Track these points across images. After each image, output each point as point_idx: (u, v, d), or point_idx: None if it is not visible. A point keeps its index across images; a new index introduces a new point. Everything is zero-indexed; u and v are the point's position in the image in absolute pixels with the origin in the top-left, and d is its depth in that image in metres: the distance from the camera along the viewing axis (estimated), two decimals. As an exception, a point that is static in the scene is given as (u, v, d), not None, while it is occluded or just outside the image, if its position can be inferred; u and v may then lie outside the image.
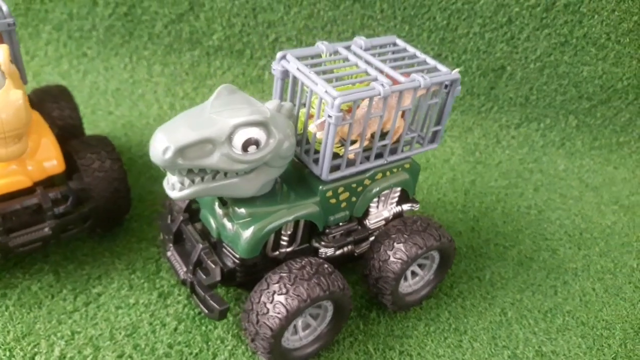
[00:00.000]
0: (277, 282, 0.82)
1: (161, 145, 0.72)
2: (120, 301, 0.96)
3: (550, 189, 1.38)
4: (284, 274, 0.83)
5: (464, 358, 0.95)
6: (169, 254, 0.93)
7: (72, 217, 0.96)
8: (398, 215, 1.02)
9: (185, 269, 0.90)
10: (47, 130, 0.97)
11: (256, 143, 0.76)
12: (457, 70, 0.90)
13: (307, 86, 0.83)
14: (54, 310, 0.93)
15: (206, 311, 0.87)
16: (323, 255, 0.95)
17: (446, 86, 0.90)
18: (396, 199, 1.00)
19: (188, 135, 0.73)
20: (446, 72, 0.89)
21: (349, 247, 0.97)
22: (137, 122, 1.39)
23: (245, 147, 0.76)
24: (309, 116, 0.87)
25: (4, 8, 0.91)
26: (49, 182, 0.96)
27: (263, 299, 0.82)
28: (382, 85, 0.81)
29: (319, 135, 0.84)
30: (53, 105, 1.14)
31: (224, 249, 0.89)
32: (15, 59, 0.95)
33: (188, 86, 1.50)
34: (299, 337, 0.90)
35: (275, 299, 0.81)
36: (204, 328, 0.94)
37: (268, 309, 0.81)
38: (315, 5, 1.41)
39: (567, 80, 1.45)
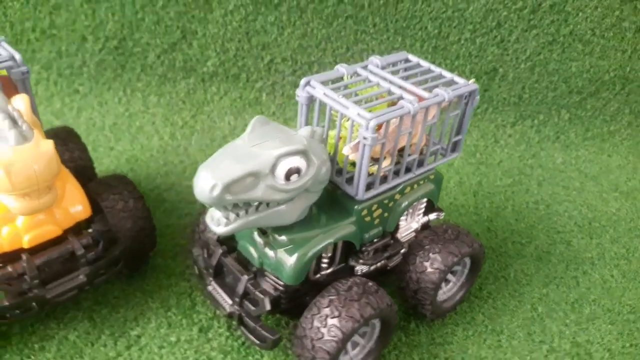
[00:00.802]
0: (328, 306, 0.83)
1: (208, 183, 0.73)
2: (162, 340, 0.95)
3: (553, 182, 1.42)
4: (333, 297, 0.84)
5: (505, 357, 0.98)
6: (209, 288, 0.93)
7: (105, 261, 0.94)
8: (425, 226, 1.04)
9: (230, 302, 0.89)
10: (69, 175, 0.96)
11: (298, 171, 0.77)
12: (472, 80, 0.93)
13: (337, 110, 0.84)
14: (96, 358, 0.92)
15: (257, 342, 0.88)
16: (359, 273, 0.96)
17: (465, 97, 0.93)
18: (423, 210, 1.02)
19: (233, 171, 0.73)
20: (464, 84, 0.92)
21: (383, 262, 0.99)
22: (141, 156, 1.38)
23: (288, 176, 0.77)
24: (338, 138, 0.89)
25: (17, 56, 0.90)
26: (76, 229, 0.95)
27: (316, 323, 0.83)
28: (411, 103, 0.83)
29: (352, 156, 0.85)
30: (62, 148, 1.13)
31: (265, 278, 0.90)
32: (32, 107, 0.93)
33: (186, 114, 1.50)
34: (350, 356, 0.91)
35: (328, 323, 0.82)
36: (250, 358, 0.94)
37: (323, 334, 0.82)
38: (309, 24, 1.43)
39: (557, 77, 1.50)
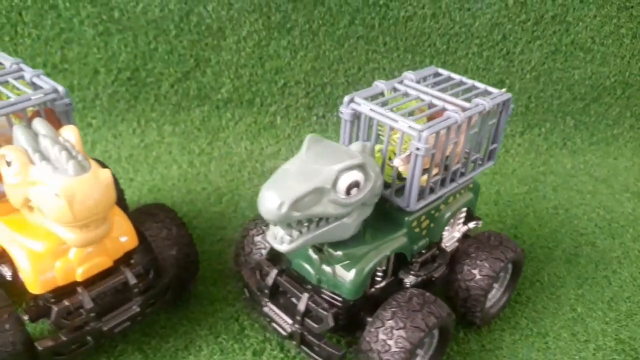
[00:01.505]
0: (392, 318, 0.84)
1: (274, 202, 0.73)
2: (217, 367, 0.94)
3: (566, 187, 1.46)
4: (395, 309, 0.85)
5: (555, 358, 0.99)
6: (266, 309, 0.93)
7: (156, 290, 0.94)
8: (465, 235, 1.06)
9: (290, 321, 0.89)
10: (114, 205, 0.95)
11: (357, 185, 0.79)
12: (505, 90, 0.96)
13: (385, 124, 0.86)
14: (153, 389, 0.90)
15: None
16: (407, 285, 0.97)
17: (499, 106, 0.96)
18: (463, 219, 1.04)
19: (298, 188, 0.74)
20: (499, 93, 0.95)
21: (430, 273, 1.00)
22: (162, 185, 1.37)
23: (348, 190, 0.78)
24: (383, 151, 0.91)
25: (60, 89, 0.89)
26: (124, 259, 0.94)
27: (381, 336, 0.83)
28: (457, 113, 0.86)
29: (402, 168, 0.87)
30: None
31: (322, 295, 0.90)
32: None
33: (202, 142, 1.50)
34: (411, 368, 0.91)
35: (395, 334, 0.82)
36: (308, 378, 0.93)
37: (390, 346, 0.82)
38: (321, 46, 1.46)
39: (561, 85, 1.56)
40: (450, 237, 1.03)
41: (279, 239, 0.79)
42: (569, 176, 1.50)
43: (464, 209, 1.02)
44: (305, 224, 0.78)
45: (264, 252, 1.00)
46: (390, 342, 0.82)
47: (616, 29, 1.49)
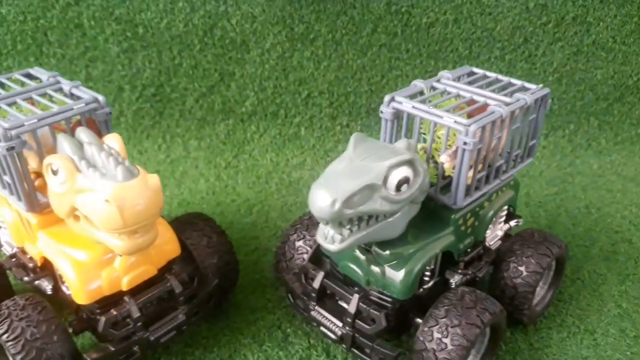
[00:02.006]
0: (445, 316, 0.83)
1: (326, 200, 0.72)
2: (264, 375, 0.93)
3: (595, 187, 1.46)
4: (448, 307, 0.84)
5: (606, 354, 0.98)
6: (313, 314, 0.91)
7: (201, 298, 0.92)
8: (506, 234, 1.05)
9: (340, 324, 0.88)
10: (156, 215, 0.94)
11: (407, 181, 0.78)
12: (541, 86, 0.96)
13: (429, 121, 0.86)
14: (201, 399, 0.89)
15: (374, 362, 0.86)
16: (453, 285, 0.96)
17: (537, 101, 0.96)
18: (504, 217, 1.03)
19: (350, 185, 0.74)
20: (537, 89, 0.95)
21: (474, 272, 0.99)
22: (191, 199, 1.37)
23: (398, 186, 0.77)
24: (425, 149, 0.91)
25: (100, 98, 0.90)
26: (167, 267, 0.93)
27: (436, 335, 0.82)
28: (501, 107, 0.85)
29: (448, 165, 0.87)
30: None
31: (370, 297, 0.88)
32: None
33: (228, 155, 1.50)
34: (465, 368, 0.89)
35: (450, 332, 0.81)
36: (358, 383, 0.91)
37: (446, 344, 0.81)
38: (344, 56, 1.47)
39: (584, 86, 1.56)
40: (493, 235, 1.02)
41: (329, 239, 0.78)
42: (597, 176, 1.50)
43: (506, 207, 1.02)
44: (356, 223, 0.77)
45: (305, 257, 0.99)
46: (446, 340, 0.81)
47: (637, 27, 1.50)
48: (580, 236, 1.27)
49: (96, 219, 0.75)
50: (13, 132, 0.79)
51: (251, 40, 1.44)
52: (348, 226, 0.77)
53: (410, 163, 0.78)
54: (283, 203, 1.36)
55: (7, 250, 1.00)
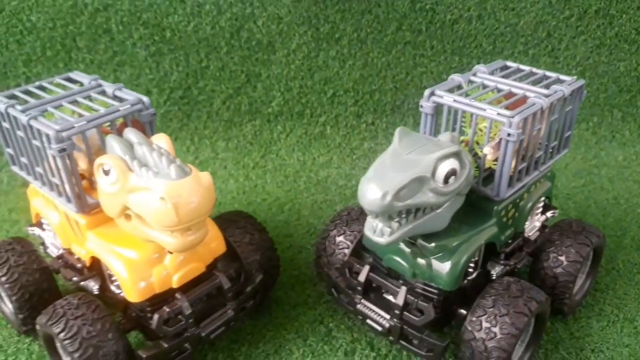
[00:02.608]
0: (493, 305, 0.84)
1: (377, 193, 0.74)
2: (311, 369, 0.94)
3: (622, 178, 1.46)
4: (495, 297, 0.85)
5: (648, 343, 0.98)
6: (359, 307, 0.92)
7: (248, 294, 0.94)
8: (543, 225, 1.06)
9: (387, 316, 0.89)
10: (200, 213, 0.96)
11: (454, 173, 0.79)
12: (576, 78, 0.97)
13: (471, 113, 0.87)
14: (251, 394, 0.90)
15: (423, 353, 0.87)
16: (494, 276, 0.97)
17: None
18: (541, 209, 1.04)
19: (400, 178, 0.75)
20: (572, 80, 0.96)
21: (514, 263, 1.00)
22: (223, 199, 1.38)
23: (446, 178, 0.78)
24: (466, 142, 0.92)
25: (145, 99, 0.91)
26: (213, 265, 0.94)
27: (485, 324, 0.83)
28: (540, 98, 0.87)
29: (491, 156, 0.88)
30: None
31: (415, 289, 0.90)
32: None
33: (255, 155, 1.51)
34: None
35: (499, 321, 0.82)
36: (405, 374, 0.93)
37: (495, 333, 0.82)
38: (369, 54, 1.48)
39: (607, 78, 1.57)
40: (532, 226, 1.03)
41: (378, 232, 0.80)
42: (623, 167, 1.50)
43: (543, 198, 1.03)
44: (404, 216, 0.79)
45: (346, 252, 1.00)
46: (495, 329, 0.82)
47: (659, 19, 1.52)
48: (611, 227, 1.28)
49: (150, 217, 0.77)
50: (64, 134, 0.81)
51: (277, 41, 1.46)
52: (397, 219, 0.78)
53: (457, 155, 0.79)
54: (313, 201, 1.38)
55: (53, 252, 1.02)
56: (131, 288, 0.84)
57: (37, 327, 0.88)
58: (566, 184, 1.44)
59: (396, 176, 0.75)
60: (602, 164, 1.52)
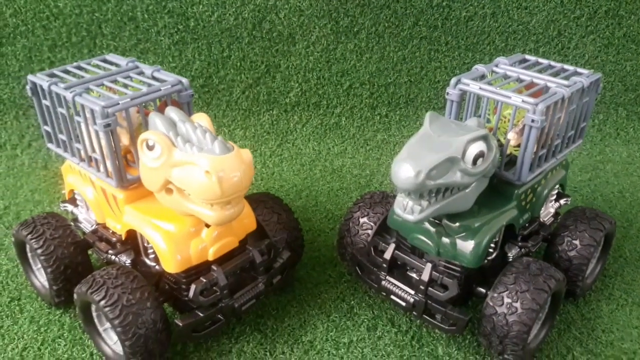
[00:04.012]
0: (514, 282, 0.88)
1: (410, 172, 0.78)
2: (335, 343, 0.98)
3: (627, 173, 1.52)
4: (516, 274, 0.89)
5: (655, 325, 1.03)
6: (384, 283, 0.97)
7: (277, 269, 0.98)
8: (556, 212, 1.11)
9: (412, 292, 0.93)
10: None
11: (482, 155, 0.84)
12: (593, 71, 1.02)
13: (496, 100, 0.92)
14: (279, 364, 0.94)
15: (446, 327, 0.91)
16: (511, 258, 1.01)
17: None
18: (555, 196, 1.09)
19: (433, 158, 0.79)
20: (589, 73, 1.01)
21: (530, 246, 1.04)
22: (241, 185, 1.42)
23: (475, 160, 0.83)
24: (490, 130, 0.97)
25: (184, 81, 0.95)
26: (245, 241, 0.98)
27: (507, 300, 0.87)
28: (562, 88, 0.91)
29: (514, 142, 0.92)
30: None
31: (438, 267, 0.94)
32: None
33: (272, 144, 1.55)
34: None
35: (520, 297, 0.86)
36: (425, 349, 0.97)
37: (516, 307, 0.86)
38: (385, 48, 1.53)
39: (614, 77, 1.62)
40: (546, 212, 1.07)
41: (408, 209, 0.84)
42: (627, 164, 1.56)
43: (557, 186, 1.07)
44: (433, 195, 0.83)
45: (370, 232, 1.05)
46: (516, 304, 0.86)
47: (666, 21, 1.57)
48: (618, 218, 1.33)
49: (194, 191, 0.80)
50: (109, 110, 0.84)
51: (297, 33, 1.50)
52: (427, 198, 0.83)
53: (485, 138, 0.84)
54: (329, 188, 1.42)
55: (87, 227, 1.05)
56: (169, 259, 0.88)
57: (75, 296, 0.91)
58: (572, 177, 1.49)
59: (429, 156, 0.80)
60: (607, 159, 1.58)
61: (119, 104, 0.86)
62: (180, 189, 0.83)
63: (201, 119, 0.89)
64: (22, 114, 1.56)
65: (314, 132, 1.58)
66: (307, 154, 1.54)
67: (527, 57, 1.08)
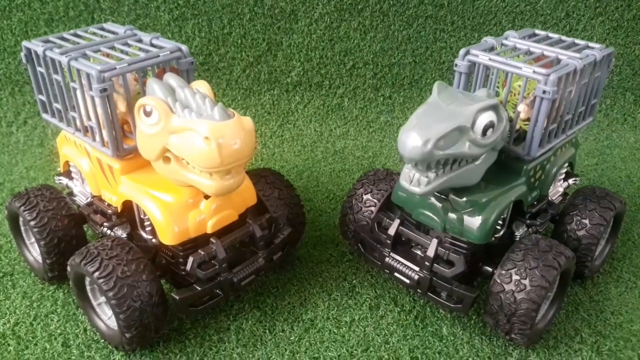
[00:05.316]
0: (523, 259, 0.85)
1: (418, 141, 0.75)
2: (337, 321, 0.95)
3: (634, 159, 1.49)
4: (525, 251, 0.86)
5: (665, 308, 1.01)
6: (388, 260, 0.94)
7: (278, 245, 0.95)
8: (564, 192, 1.08)
9: (417, 269, 0.91)
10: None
11: (492, 126, 0.81)
12: (605, 45, 0.99)
13: (506, 71, 0.89)
14: (279, 343, 0.91)
15: (451, 305, 0.89)
16: (518, 237, 0.98)
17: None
18: (564, 175, 1.06)
19: (441, 127, 0.76)
20: (601, 47, 0.97)
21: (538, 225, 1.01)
22: (241, 164, 1.39)
23: (485, 130, 0.80)
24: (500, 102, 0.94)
25: (183, 48, 0.91)
26: (244, 215, 0.95)
27: (515, 277, 0.84)
28: (574, 60, 0.88)
29: (524, 114, 0.89)
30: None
31: (444, 244, 0.91)
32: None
33: (273, 124, 1.52)
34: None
35: (529, 274, 0.84)
36: (429, 329, 0.94)
37: (525, 285, 0.83)
38: (390, 27, 1.49)
39: (622, 61, 1.59)
40: (555, 191, 1.05)
41: (415, 181, 0.81)
42: (634, 149, 1.53)
43: (566, 164, 1.04)
44: (441, 166, 0.80)
45: (373, 209, 1.02)
46: (524, 281, 0.83)
47: (676, 3, 1.54)
48: (626, 202, 1.30)
49: (192, 158, 0.77)
50: (106, 75, 0.81)
51: (300, 10, 1.46)
52: (434, 169, 0.80)
53: (495, 108, 0.81)
54: (331, 169, 1.39)
55: (82, 200, 1.02)
56: (166, 231, 0.85)
57: (68, 268, 0.88)
58: (579, 162, 1.46)
59: (438, 125, 0.77)
60: (614, 145, 1.55)
61: (115, 68, 0.83)
62: (179, 157, 0.80)
63: (201, 85, 0.86)
64: (18, 91, 1.52)
65: (316, 113, 1.55)
66: (308, 135, 1.51)
67: (537, 31, 1.05)
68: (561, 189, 1.06)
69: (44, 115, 0.99)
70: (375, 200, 1.02)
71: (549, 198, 1.03)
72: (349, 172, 1.38)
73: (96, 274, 0.82)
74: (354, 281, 1.04)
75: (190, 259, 0.85)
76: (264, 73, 1.52)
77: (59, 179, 1.06)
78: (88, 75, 0.82)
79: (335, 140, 1.50)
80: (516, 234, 0.98)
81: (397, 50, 1.53)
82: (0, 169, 1.35)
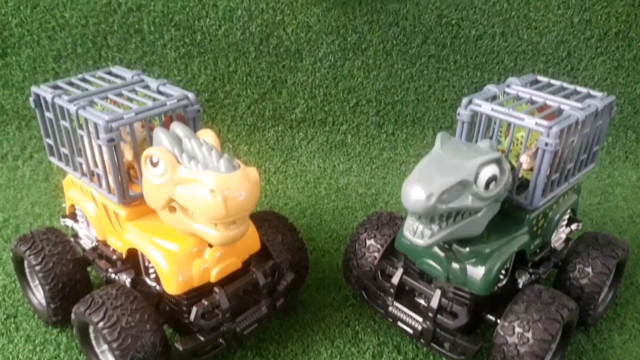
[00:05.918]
0: (526, 311, 0.85)
1: (422, 194, 0.76)
2: (340, 369, 0.95)
3: (636, 198, 1.49)
4: (528, 303, 0.86)
5: (669, 357, 1.00)
6: (391, 309, 0.94)
7: (281, 292, 0.95)
8: (567, 237, 1.08)
9: (420, 319, 0.90)
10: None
11: (495, 179, 0.81)
12: (606, 94, 1.00)
13: (508, 122, 0.89)
14: (281, 391, 0.91)
15: (455, 356, 0.88)
16: (521, 285, 0.98)
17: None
18: (566, 221, 1.07)
19: (445, 181, 0.77)
20: (602, 96, 0.99)
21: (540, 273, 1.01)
22: (245, 202, 1.39)
23: (487, 184, 0.80)
24: (502, 152, 0.94)
25: (190, 95, 0.93)
26: (248, 262, 0.95)
27: (518, 330, 0.84)
28: (576, 111, 0.89)
29: (526, 165, 0.90)
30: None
31: (447, 294, 0.91)
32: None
33: (277, 160, 1.53)
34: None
35: (532, 327, 0.83)
36: (433, 378, 0.94)
37: (528, 338, 0.83)
38: (393, 66, 1.51)
39: (623, 100, 1.61)
40: (557, 238, 1.05)
41: (418, 234, 0.81)
42: (637, 187, 1.54)
43: (569, 210, 1.05)
44: (444, 219, 0.81)
45: (377, 255, 1.02)
46: (527, 334, 0.83)
47: (676, 44, 1.56)
48: (628, 244, 1.30)
49: (198, 209, 0.78)
50: (114, 125, 0.82)
51: (305, 49, 1.48)
52: (437, 222, 0.80)
53: (498, 162, 0.82)
54: (334, 207, 1.39)
55: (87, 244, 1.03)
56: (171, 280, 0.85)
57: (73, 316, 0.88)
58: (581, 201, 1.46)
59: (441, 179, 0.77)
60: (616, 183, 1.55)
61: (123, 118, 0.84)
62: (184, 207, 0.81)
63: (207, 135, 0.87)
64: (25, 125, 1.54)
65: (319, 149, 1.56)
66: (312, 172, 1.52)
67: (539, 77, 1.06)
68: (564, 235, 1.06)
69: (51, 158, 1.00)
70: (379, 246, 1.02)
71: (552, 245, 1.03)
72: (352, 210, 1.39)
73: (100, 324, 0.82)
74: (357, 327, 1.03)
75: (194, 309, 0.86)
76: (269, 110, 1.54)
77: (64, 221, 1.06)
78: (95, 124, 0.83)
79: (338, 177, 1.51)
80: (519, 281, 0.98)
81: (400, 89, 1.55)
82: (5, 204, 1.36)
